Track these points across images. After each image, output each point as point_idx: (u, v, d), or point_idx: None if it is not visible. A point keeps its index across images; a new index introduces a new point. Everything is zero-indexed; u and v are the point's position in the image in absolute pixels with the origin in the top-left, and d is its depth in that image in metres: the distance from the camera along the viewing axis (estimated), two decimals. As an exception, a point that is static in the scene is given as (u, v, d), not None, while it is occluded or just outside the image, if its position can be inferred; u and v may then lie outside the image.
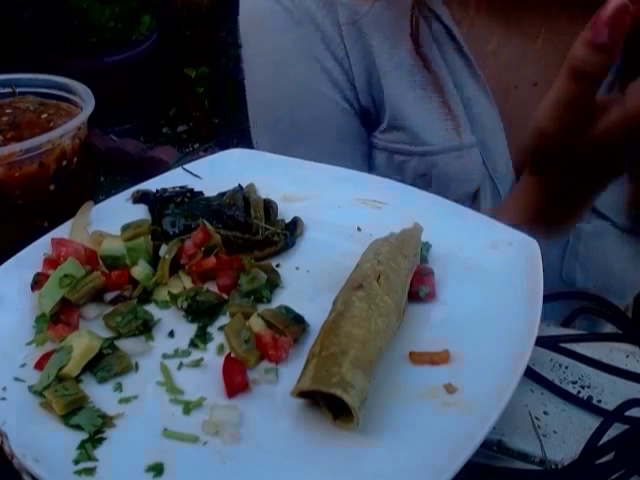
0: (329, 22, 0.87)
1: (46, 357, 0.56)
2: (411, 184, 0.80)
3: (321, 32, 0.88)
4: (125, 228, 0.70)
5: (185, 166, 0.81)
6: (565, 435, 0.59)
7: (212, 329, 0.61)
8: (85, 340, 0.56)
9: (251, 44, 0.95)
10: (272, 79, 0.95)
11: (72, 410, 0.52)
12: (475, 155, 0.87)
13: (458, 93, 0.86)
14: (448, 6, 0.84)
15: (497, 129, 0.86)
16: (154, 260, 0.67)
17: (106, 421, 0.52)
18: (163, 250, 0.67)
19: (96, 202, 0.74)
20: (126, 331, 0.60)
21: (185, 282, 0.66)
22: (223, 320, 0.62)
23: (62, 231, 0.70)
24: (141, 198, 0.76)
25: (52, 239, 0.68)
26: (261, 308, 0.62)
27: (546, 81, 0.85)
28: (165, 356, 0.59)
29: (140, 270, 0.65)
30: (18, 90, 0.84)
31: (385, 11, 0.85)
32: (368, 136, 0.94)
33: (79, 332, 0.58)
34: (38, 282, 0.63)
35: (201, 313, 0.62)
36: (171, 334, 0.61)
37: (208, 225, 0.69)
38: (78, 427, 0.51)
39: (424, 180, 0.88)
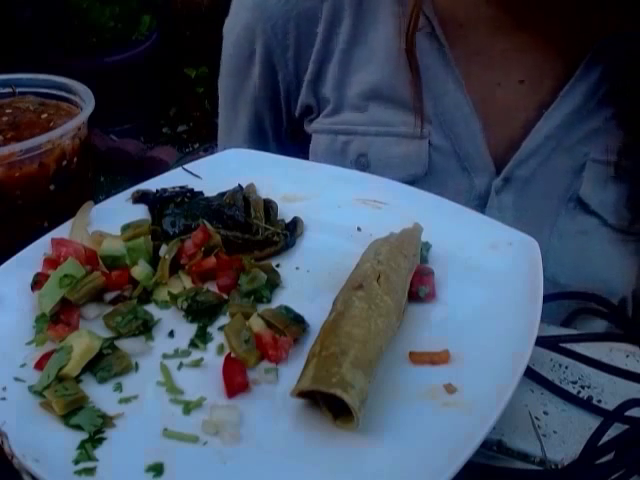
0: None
1: (46, 357, 0.56)
2: (351, 166, 0.85)
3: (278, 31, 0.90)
4: (125, 228, 0.70)
5: (185, 166, 0.81)
6: (565, 435, 0.59)
7: (212, 329, 0.61)
8: (85, 340, 0.56)
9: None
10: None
11: (72, 410, 0.52)
12: (422, 148, 0.86)
13: (427, 86, 0.86)
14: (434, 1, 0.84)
15: (473, 125, 0.86)
16: (154, 260, 0.67)
17: (106, 421, 0.52)
18: (163, 250, 0.67)
19: (96, 202, 0.74)
20: (126, 331, 0.60)
21: (185, 282, 0.66)
22: (223, 320, 0.62)
23: (62, 231, 0.70)
24: (141, 198, 0.76)
25: (52, 239, 0.68)
26: (261, 308, 0.63)
27: (534, 79, 0.85)
28: (165, 356, 0.59)
29: (140, 270, 0.65)
30: (18, 90, 0.84)
31: None
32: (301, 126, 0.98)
33: (79, 332, 0.58)
34: (38, 282, 0.63)
35: (201, 313, 0.62)
36: (171, 334, 0.61)
37: (208, 225, 0.69)
38: (78, 427, 0.51)
39: (364, 160, 0.89)
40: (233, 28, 0.97)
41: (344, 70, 0.90)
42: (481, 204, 0.86)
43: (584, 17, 0.82)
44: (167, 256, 0.66)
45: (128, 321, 0.61)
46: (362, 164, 0.89)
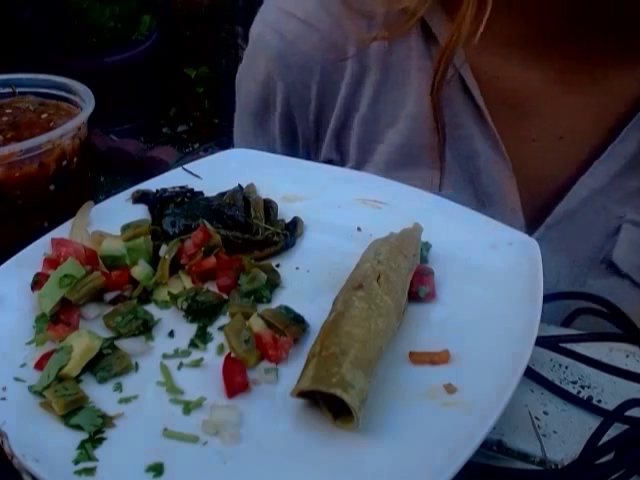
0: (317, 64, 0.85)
1: (46, 357, 0.56)
2: None
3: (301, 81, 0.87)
4: (125, 228, 0.70)
5: (185, 166, 0.81)
6: (565, 435, 0.59)
7: (212, 329, 0.61)
8: (85, 340, 0.56)
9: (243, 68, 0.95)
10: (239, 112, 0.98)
11: (72, 410, 0.52)
12: None
13: (459, 145, 0.82)
14: (467, 49, 0.77)
15: (506, 182, 0.82)
16: (154, 260, 0.67)
17: (106, 421, 0.52)
18: (163, 250, 0.67)
19: (96, 202, 0.74)
20: (126, 331, 0.60)
21: (185, 282, 0.66)
22: (223, 320, 0.62)
23: (62, 231, 0.70)
24: (141, 198, 0.76)
25: (52, 239, 0.68)
26: (261, 308, 0.62)
27: (575, 135, 0.80)
28: (165, 356, 0.59)
29: (140, 270, 0.65)
30: (18, 90, 0.84)
31: (396, 49, 0.82)
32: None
33: (79, 332, 0.58)
34: (38, 282, 0.63)
35: (201, 313, 0.62)
36: (171, 334, 0.61)
37: (208, 225, 0.69)
38: (78, 427, 0.51)
39: None
40: (253, 79, 0.92)
41: (368, 127, 0.86)
42: None
43: (633, 73, 0.78)
44: (167, 256, 0.66)
45: (128, 321, 0.61)
46: None
